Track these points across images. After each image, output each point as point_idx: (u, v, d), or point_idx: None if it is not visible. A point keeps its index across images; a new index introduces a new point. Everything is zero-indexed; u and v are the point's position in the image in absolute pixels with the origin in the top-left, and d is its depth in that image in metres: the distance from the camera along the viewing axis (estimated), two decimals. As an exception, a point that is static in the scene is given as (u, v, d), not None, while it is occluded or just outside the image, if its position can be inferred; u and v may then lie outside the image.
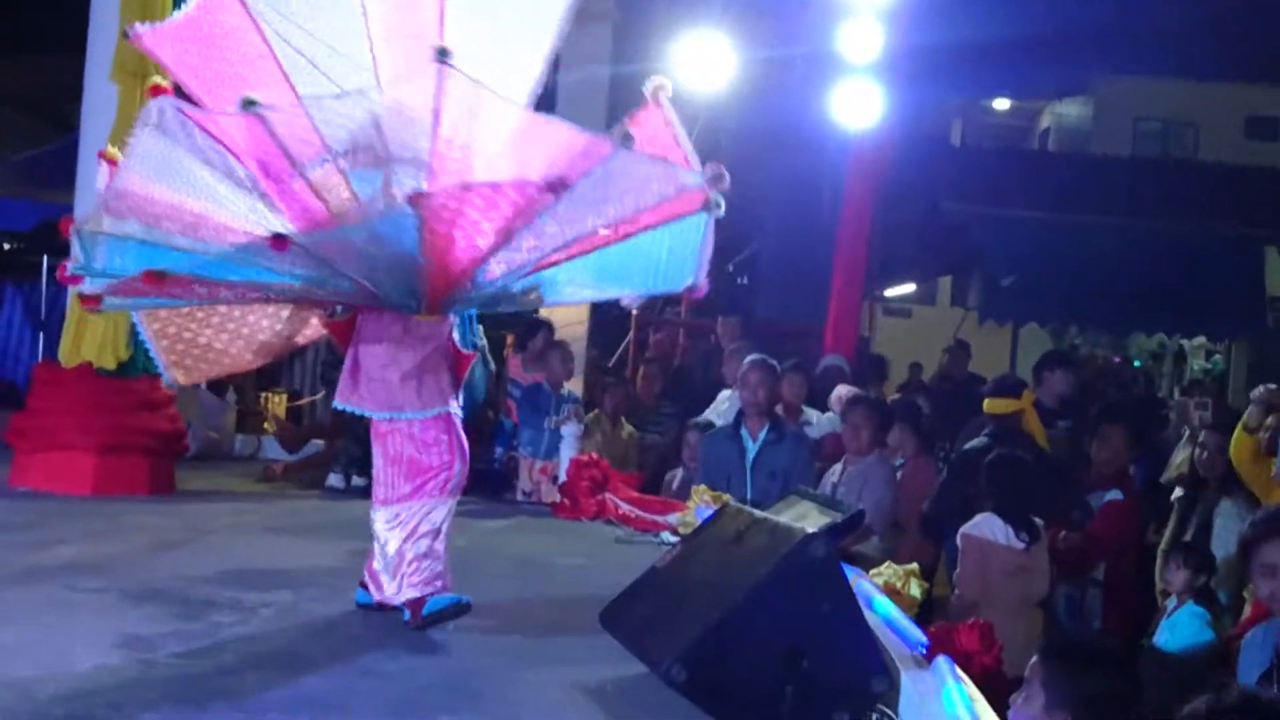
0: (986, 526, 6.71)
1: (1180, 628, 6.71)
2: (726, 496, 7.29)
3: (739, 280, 16.04)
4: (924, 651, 4.20)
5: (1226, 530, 7.31)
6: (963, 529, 6.84)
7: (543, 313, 9.74)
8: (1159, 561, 7.28)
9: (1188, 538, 7.33)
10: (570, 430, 8.58)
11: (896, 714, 3.80)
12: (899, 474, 7.97)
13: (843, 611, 3.97)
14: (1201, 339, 21.06)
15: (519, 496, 8.86)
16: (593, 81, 10.34)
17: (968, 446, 8.61)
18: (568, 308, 9.94)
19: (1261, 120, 23.46)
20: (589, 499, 7.93)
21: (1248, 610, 6.70)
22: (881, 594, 4.97)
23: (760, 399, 7.67)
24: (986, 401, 9.41)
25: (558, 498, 8.21)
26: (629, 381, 10.55)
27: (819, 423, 8.73)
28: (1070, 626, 7.20)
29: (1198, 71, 22.62)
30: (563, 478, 8.25)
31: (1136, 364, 22.72)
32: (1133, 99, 24.10)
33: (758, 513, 4.53)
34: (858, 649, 3.94)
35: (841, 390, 8.99)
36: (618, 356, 12.05)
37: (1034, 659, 3.61)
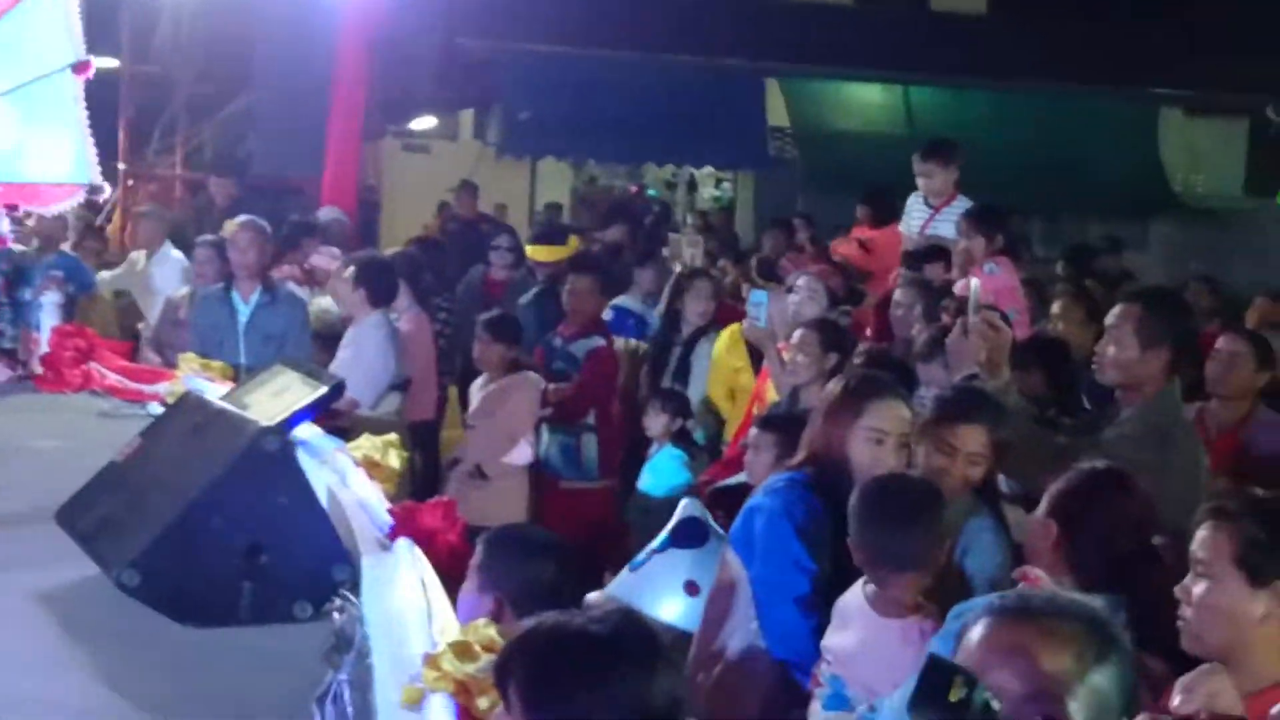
0: None
1: (660, 470, 7.08)
2: (218, 364, 7.13)
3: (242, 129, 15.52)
4: (387, 533, 4.25)
5: (703, 371, 7.71)
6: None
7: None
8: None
9: (667, 381, 7.70)
10: (50, 299, 8.13)
11: (358, 599, 3.84)
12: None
13: (300, 503, 3.96)
14: (710, 168, 21.88)
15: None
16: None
17: (522, 303, 8.75)
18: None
19: (762, -46, 24.18)
20: (73, 370, 7.57)
21: (726, 452, 7.14)
22: (358, 469, 4.98)
23: (250, 260, 7.50)
24: (529, 248, 9.56)
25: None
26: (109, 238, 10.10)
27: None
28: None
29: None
30: (44, 348, 7.84)
31: (652, 193, 23.44)
32: (644, -70, 24.36)
33: (216, 403, 4.44)
34: (317, 539, 3.95)
35: (323, 252, 8.88)
36: (105, 212, 11.48)
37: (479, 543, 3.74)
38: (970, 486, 4.29)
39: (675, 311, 8.12)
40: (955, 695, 1.71)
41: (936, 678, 1.75)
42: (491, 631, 2.96)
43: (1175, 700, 1.47)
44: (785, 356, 6.33)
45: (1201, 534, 2.92)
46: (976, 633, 2.19)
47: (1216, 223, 19.31)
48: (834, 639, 3.74)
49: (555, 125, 19.06)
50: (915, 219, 8.01)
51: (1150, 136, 19.70)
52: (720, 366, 7.51)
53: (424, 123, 21.08)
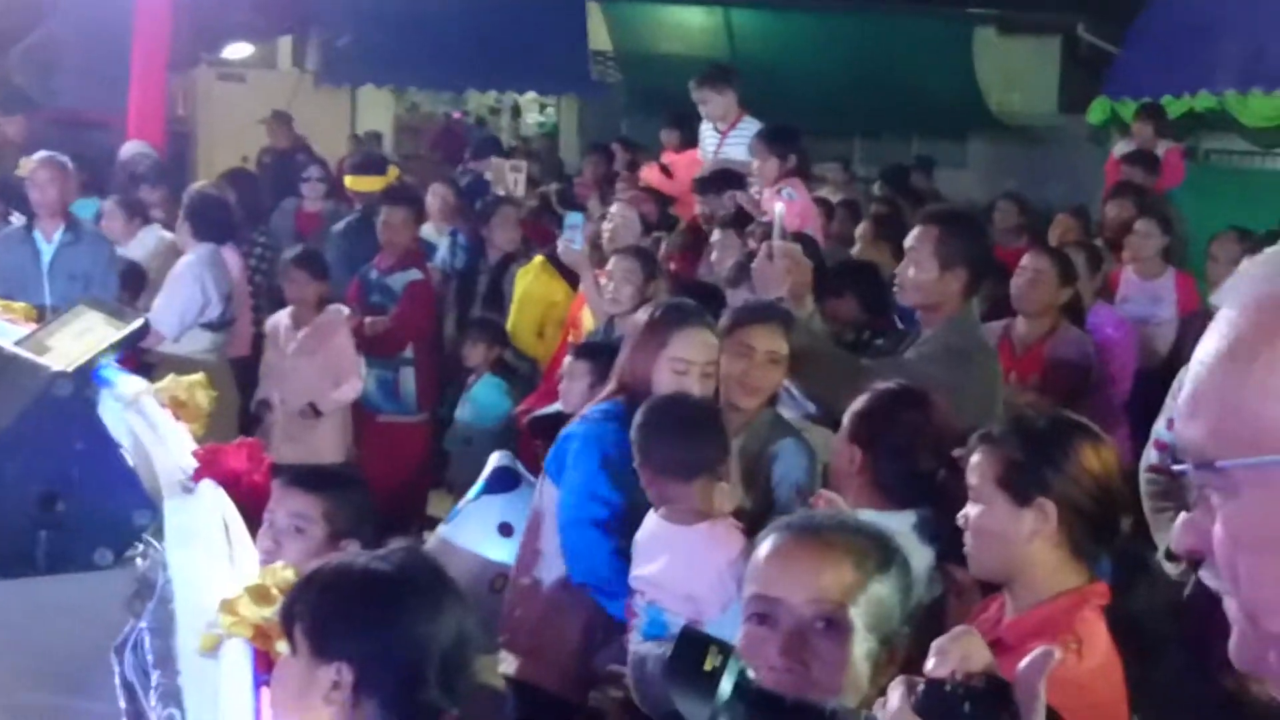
0: None
1: (480, 399, 7.07)
2: (21, 305, 6.92)
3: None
4: (191, 475, 4.17)
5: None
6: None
7: None
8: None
9: (478, 309, 7.67)
10: None
11: (161, 544, 3.77)
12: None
13: (98, 448, 3.87)
14: (533, 93, 21.70)
15: None
16: None
17: (335, 230, 8.63)
18: None
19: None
20: None
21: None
22: (163, 410, 4.87)
23: (52, 198, 7.28)
24: (349, 179, 9.44)
25: None
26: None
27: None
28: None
29: None
30: None
31: (478, 120, 23.20)
32: None
33: (7, 348, 4.31)
34: (117, 485, 3.87)
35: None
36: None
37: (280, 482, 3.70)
38: (770, 394, 4.39)
39: (480, 239, 8.07)
40: (709, 665, 1.72)
41: (690, 648, 1.76)
42: (289, 574, 2.93)
43: (930, 664, 1.51)
44: (603, 283, 6.35)
45: (972, 459, 3.02)
46: (765, 548, 2.27)
47: (1031, 140, 19.69)
48: (641, 570, 3.79)
49: (375, 52, 18.75)
50: (708, 144, 8.10)
51: (965, 56, 19.96)
52: (529, 302, 7.45)
53: (239, 50, 20.50)
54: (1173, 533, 1.27)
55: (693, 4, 20.23)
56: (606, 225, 6.82)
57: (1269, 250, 1.27)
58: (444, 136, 21.25)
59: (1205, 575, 1.23)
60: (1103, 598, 2.95)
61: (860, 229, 7.81)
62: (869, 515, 3.41)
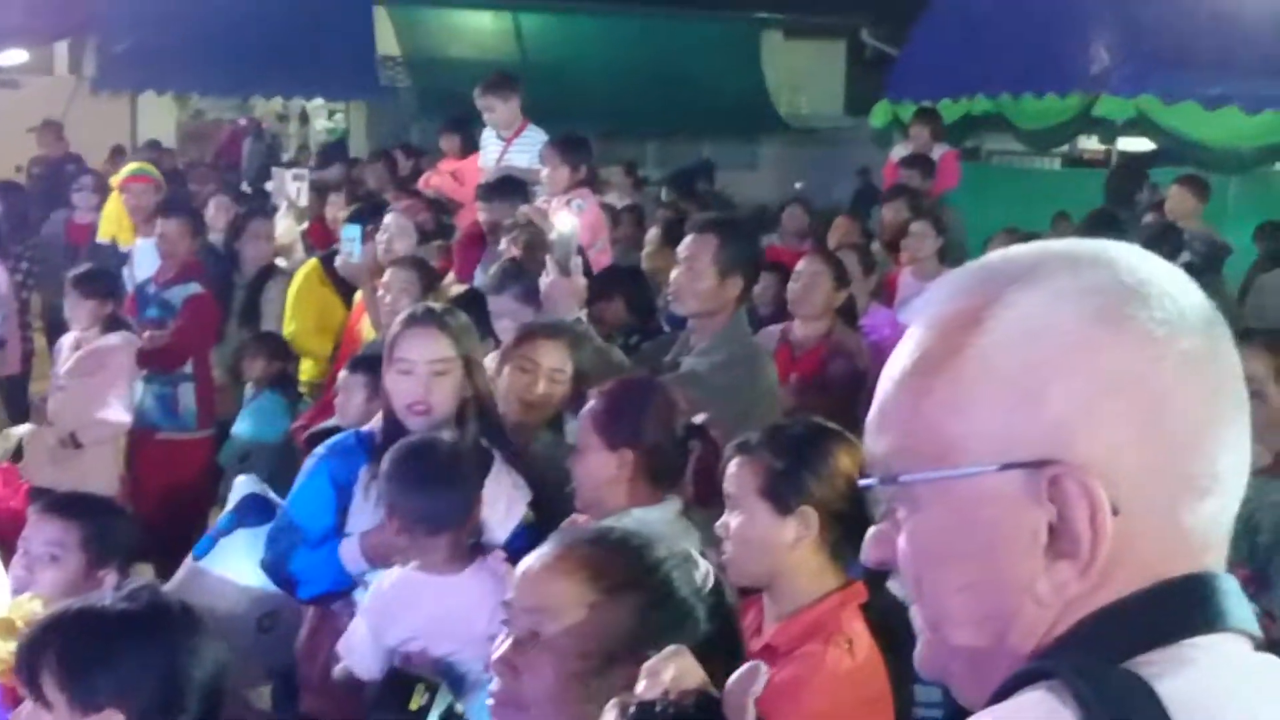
0: None
1: (259, 414, 6.93)
2: None
3: None
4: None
5: (274, 313, 7.59)
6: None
7: None
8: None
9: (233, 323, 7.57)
10: None
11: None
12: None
13: None
14: (320, 100, 21.36)
15: None
16: None
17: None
18: None
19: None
20: None
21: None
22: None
23: None
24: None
25: None
26: None
27: None
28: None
29: None
30: None
31: (257, 129, 22.70)
32: None
33: None
34: None
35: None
36: None
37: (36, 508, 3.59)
38: (551, 412, 4.35)
39: (235, 251, 7.93)
40: (415, 704, 1.70)
41: (394, 689, 1.73)
42: (36, 606, 2.84)
43: (641, 685, 1.48)
44: (380, 294, 6.26)
45: (730, 470, 3.03)
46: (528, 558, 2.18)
47: (819, 142, 20.09)
48: (407, 629, 3.39)
49: (156, 57, 18.23)
50: (490, 152, 8.05)
51: (754, 59, 20.29)
52: (303, 302, 7.31)
53: (13, 57, 19.83)
54: (863, 545, 1.30)
55: (480, 8, 20.18)
56: (382, 236, 6.70)
57: (952, 271, 1.31)
58: (230, 145, 20.81)
59: (893, 586, 1.26)
60: (860, 596, 3.00)
61: (650, 235, 7.88)
62: (640, 513, 3.41)
